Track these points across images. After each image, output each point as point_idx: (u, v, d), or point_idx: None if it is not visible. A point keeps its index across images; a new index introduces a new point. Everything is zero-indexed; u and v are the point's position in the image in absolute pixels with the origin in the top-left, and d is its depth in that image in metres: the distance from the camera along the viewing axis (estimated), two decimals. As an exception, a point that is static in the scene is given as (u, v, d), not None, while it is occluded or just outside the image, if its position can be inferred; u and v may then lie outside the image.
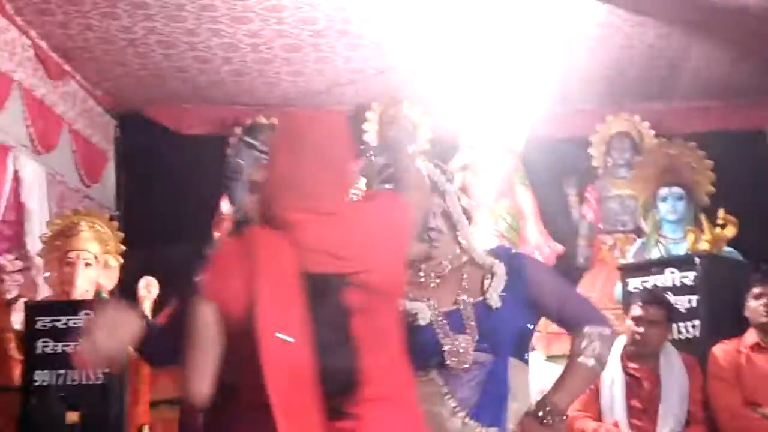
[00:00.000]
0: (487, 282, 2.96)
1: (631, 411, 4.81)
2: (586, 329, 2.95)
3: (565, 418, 2.91)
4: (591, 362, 2.92)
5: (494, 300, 2.92)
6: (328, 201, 2.51)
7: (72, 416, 5.29)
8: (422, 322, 2.89)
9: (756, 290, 5.01)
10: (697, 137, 6.89)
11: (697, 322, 5.44)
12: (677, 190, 6.45)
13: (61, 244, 6.00)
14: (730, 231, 5.96)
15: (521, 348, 2.99)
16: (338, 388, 2.37)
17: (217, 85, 7.92)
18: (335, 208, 2.52)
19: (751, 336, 5.02)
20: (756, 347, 4.99)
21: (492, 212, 6.61)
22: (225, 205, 7.61)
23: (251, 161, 3.19)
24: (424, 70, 7.47)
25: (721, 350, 5.06)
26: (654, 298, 5.07)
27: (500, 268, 2.98)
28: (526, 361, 3.02)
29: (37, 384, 5.34)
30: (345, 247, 2.45)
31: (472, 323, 2.90)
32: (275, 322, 2.34)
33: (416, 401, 2.58)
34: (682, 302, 5.53)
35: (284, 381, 2.32)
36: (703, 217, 6.10)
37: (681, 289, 5.55)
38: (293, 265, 2.40)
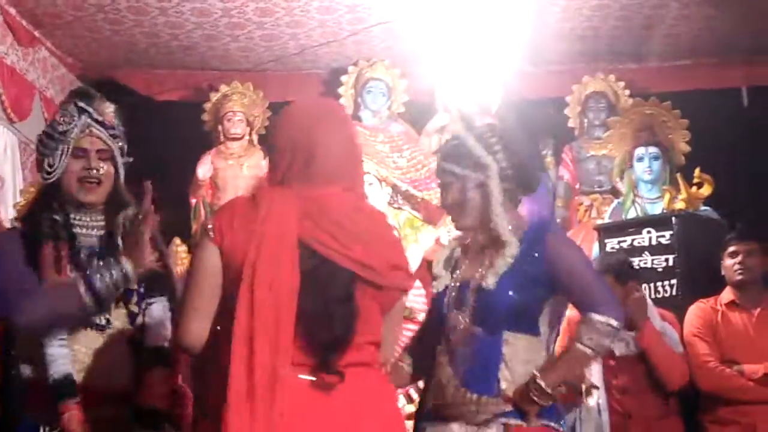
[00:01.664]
0: (489, 261, 3.16)
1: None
2: (592, 316, 3.07)
3: (551, 395, 3.04)
4: (588, 351, 3.08)
5: (489, 281, 3.11)
6: (348, 178, 2.65)
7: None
8: (436, 290, 3.28)
9: (731, 248, 5.03)
10: (672, 96, 6.89)
11: (674, 281, 5.48)
12: (653, 149, 6.45)
13: (35, 212, 5.95)
14: (706, 190, 5.99)
15: (523, 322, 3.14)
16: (330, 344, 2.45)
17: (189, 50, 7.85)
18: (354, 186, 2.67)
19: (727, 294, 5.05)
20: (732, 305, 5.02)
21: (468, 174, 6.58)
22: (201, 171, 7.58)
23: (82, 127, 3.16)
24: (399, 32, 7.44)
25: (697, 309, 5.09)
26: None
27: (511, 249, 3.14)
28: (535, 333, 3.18)
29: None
30: (359, 241, 2.53)
31: (471, 301, 3.14)
32: (268, 275, 2.43)
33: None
34: (659, 261, 5.57)
35: (268, 329, 2.40)
36: (679, 177, 6.12)
37: (658, 249, 5.58)
38: (293, 232, 2.49)
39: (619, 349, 4.68)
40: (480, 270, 3.17)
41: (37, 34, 7.26)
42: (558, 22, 7.30)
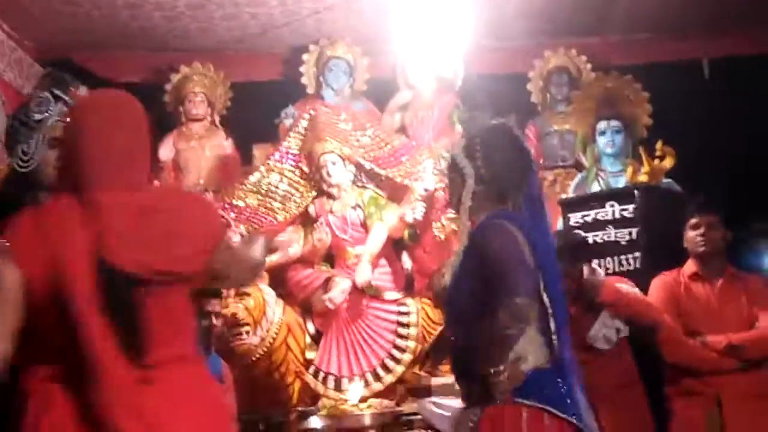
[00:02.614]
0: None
1: None
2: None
3: None
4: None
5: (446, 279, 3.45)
6: (134, 177, 2.64)
7: None
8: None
9: (693, 220, 5.05)
10: (634, 70, 6.92)
11: (638, 254, 5.52)
12: (615, 123, 6.48)
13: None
14: (669, 162, 6.01)
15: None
16: (128, 349, 2.49)
17: (149, 31, 7.77)
18: (140, 185, 2.66)
19: (689, 266, 5.08)
20: (695, 276, 5.05)
21: (432, 151, 6.57)
22: (163, 153, 7.53)
23: (56, 115, 3.14)
24: (360, 10, 7.40)
25: (660, 281, 5.11)
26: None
27: (458, 250, 3.43)
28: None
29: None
30: (142, 244, 2.53)
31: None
32: (65, 292, 2.46)
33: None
34: (622, 234, 5.60)
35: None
36: (641, 150, 6.14)
37: (621, 222, 5.61)
38: (85, 246, 2.49)
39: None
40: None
41: (-7, 17, 7.17)
42: (519, -3, 7.29)
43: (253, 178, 6.53)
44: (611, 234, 5.61)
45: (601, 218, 5.65)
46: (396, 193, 6.49)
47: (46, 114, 3.21)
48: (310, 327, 6.29)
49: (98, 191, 2.55)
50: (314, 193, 6.49)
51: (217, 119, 7.85)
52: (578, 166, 7.13)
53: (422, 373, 6.08)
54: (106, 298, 2.48)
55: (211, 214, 2.85)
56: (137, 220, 2.55)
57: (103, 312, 2.47)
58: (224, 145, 7.66)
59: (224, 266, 2.73)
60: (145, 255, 2.52)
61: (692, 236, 5.05)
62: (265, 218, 6.44)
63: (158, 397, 2.52)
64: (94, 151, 2.60)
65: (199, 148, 7.59)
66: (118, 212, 2.54)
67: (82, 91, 3.32)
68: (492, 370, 3.11)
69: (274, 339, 6.00)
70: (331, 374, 6.07)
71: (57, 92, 3.23)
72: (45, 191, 3.13)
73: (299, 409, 5.88)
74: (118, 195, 2.57)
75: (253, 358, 5.96)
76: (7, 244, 2.51)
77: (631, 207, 5.60)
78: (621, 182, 6.31)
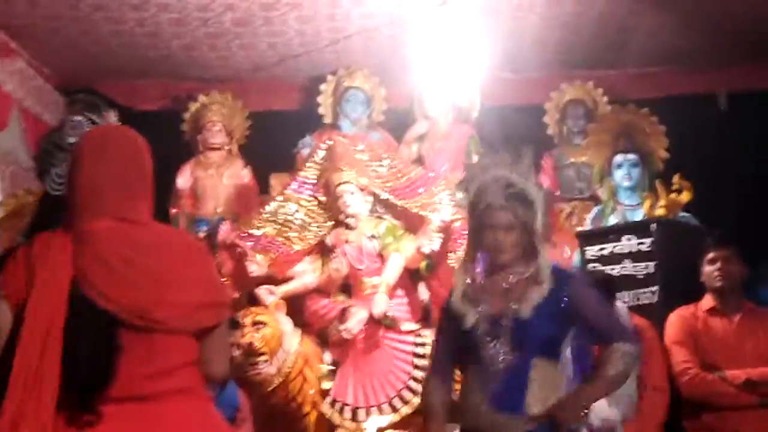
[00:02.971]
0: (528, 294, 3.44)
1: None
2: (615, 345, 3.42)
3: (584, 414, 3.39)
4: (613, 372, 3.40)
5: (525, 311, 3.40)
6: (132, 211, 2.64)
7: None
8: (465, 327, 3.46)
9: (710, 255, 5.06)
10: (651, 103, 6.93)
11: (655, 288, 5.50)
12: (632, 156, 6.48)
13: (14, 224, 5.94)
14: (686, 196, 6.01)
15: (549, 350, 3.45)
16: (85, 387, 2.46)
17: (167, 60, 7.82)
18: (137, 218, 2.64)
19: (707, 300, 5.08)
20: (712, 311, 5.05)
21: (448, 182, 6.59)
22: (181, 181, 7.56)
23: None
24: (378, 40, 7.44)
25: (678, 316, 5.11)
26: None
27: (545, 286, 3.44)
28: (557, 359, 3.48)
29: None
30: (127, 283, 2.52)
31: (508, 331, 3.40)
32: (34, 325, 2.45)
33: (180, 404, 2.62)
34: (639, 268, 5.59)
35: (26, 375, 2.42)
36: (658, 183, 6.14)
37: (638, 255, 5.61)
38: (64, 281, 2.49)
39: None
40: (511, 304, 3.44)
41: (13, 45, 7.22)
42: (536, 29, 7.32)
43: (270, 207, 6.54)
44: (628, 267, 5.60)
45: (618, 251, 5.65)
46: (412, 223, 6.49)
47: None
48: (327, 357, 6.28)
49: (88, 223, 2.57)
50: (331, 223, 6.49)
51: (235, 148, 7.88)
52: (595, 199, 7.13)
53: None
54: (79, 329, 2.47)
55: (211, 272, 2.77)
56: (128, 256, 2.55)
57: (66, 344, 2.45)
58: (242, 174, 7.69)
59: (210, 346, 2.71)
60: (127, 295, 2.51)
61: (709, 270, 5.05)
62: (282, 247, 6.45)
63: (142, 430, 2.50)
64: (89, 184, 2.62)
65: (216, 177, 7.62)
66: (108, 245, 2.55)
67: (112, 116, 3.38)
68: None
69: (290, 369, 5.98)
70: (348, 405, 6.05)
71: (91, 116, 3.30)
72: None
73: (315, 439, 5.87)
74: (107, 228, 2.58)
75: (270, 388, 5.95)
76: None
77: (648, 241, 5.60)
78: (638, 215, 6.31)
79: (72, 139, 3.25)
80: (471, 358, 3.47)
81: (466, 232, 3.77)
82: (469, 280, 3.59)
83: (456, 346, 3.56)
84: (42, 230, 3.05)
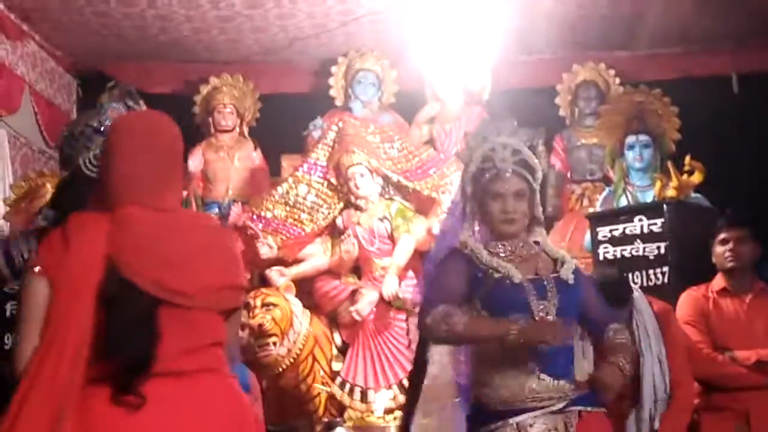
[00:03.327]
0: (558, 266, 3.36)
1: None
2: (612, 325, 3.43)
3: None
4: (627, 341, 3.43)
5: (570, 277, 3.32)
6: (164, 197, 2.69)
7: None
8: (516, 280, 3.25)
9: (721, 236, 5.03)
10: (663, 84, 6.89)
11: (666, 269, 5.49)
12: (644, 137, 6.45)
13: (26, 206, 5.96)
14: (697, 177, 5.99)
15: (579, 318, 3.40)
16: (128, 367, 2.52)
17: (178, 42, 7.83)
18: (169, 206, 2.70)
19: (718, 281, 5.05)
20: (723, 292, 5.02)
21: (459, 164, 6.58)
22: (192, 164, 7.57)
23: None
24: (388, 22, 7.42)
25: (689, 296, 5.09)
26: None
27: (570, 260, 3.40)
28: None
29: (6, 347, 5.31)
30: (159, 263, 2.58)
31: (554, 293, 3.28)
32: (69, 301, 2.53)
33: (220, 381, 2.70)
34: (650, 249, 5.57)
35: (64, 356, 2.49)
36: (669, 164, 6.12)
37: (649, 237, 5.59)
38: (99, 258, 2.55)
39: None
40: (547, 270, 3.35)
41: (25, 27, 7.24)
42: (548, 10, 7.28)
43: (281, 189, 6.56)
44: (639, 249, 5.59)
45: (630, 233, 5.63)
46: (423, 205, 6.50)
47: None
48: (337, 338, 6.30)
49: (126, 207, 2.62)
50: (342, 205, 6.51)
51: (245, 130, 7.89)
52: (606, 180, 7.11)
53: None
54: (116, 308, 2.53)
55: (237, 256, 2.84)
56: (161, 237, 2.62)
57: (108, 325, 2.52)
58: (253, 156, 7.70)
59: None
60: (162, 274, 2.57)
61: (721, 251, 5.03)
62: (293, 229, 6.47)
63: (180, 406, 2.56)
64: (128, 171, 2.66)
65: (227, 159, 7.63)
66: (142, 228, 2.61)
67: (143, 106, 3.52)
68: None
69: (300, 350, 6.01)
70: (358, 386, 6.07)
71: (130, 103, 3.40)
72: None
73: (325, 420, 5.89)
74: (145, 213, 2.63)
75: (280, 369, 5.98)
76: (36, 265, 2.60)
77: (659, 222, 5.58)
78: (649, 197, 6.28)
79: (109, 124, 3.33)
80: (515, 318, 3.18)
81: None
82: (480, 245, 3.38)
83: (467, 295, 3.30)
84: (71, 209, 3.13)
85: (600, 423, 3.34)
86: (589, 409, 3.27)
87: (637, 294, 4.66)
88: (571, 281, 3.31)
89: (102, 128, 3.35)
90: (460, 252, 3.35)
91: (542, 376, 3.20)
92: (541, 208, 3.44)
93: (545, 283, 3.29)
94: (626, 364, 3.30)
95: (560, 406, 3.21)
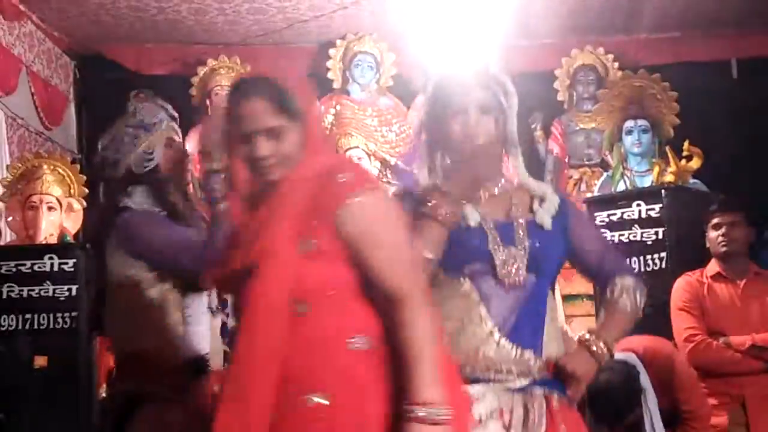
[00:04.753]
0: (536, 205, 2.82)
1: None
2: (619, 279, 2.89)
3: (610, 355, 2.81)
4: (629, 308, 2.86)
5: (546, 221, 2.79)
6: None
7: (40, 360, 5.28)
8: (472, 223, 2.73)
9: (714, 220, 5.03)
10: (662, 69, 6.87)
11: (663, 254, 5.48)
12: (642, 122, 6.44)
13: (23, 188, 5.96)
14: (696, 163, 5.98)
15: (555, 276, 2.91)
16: None
17: (176, 24, 7.80)
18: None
19: (712, 266, 5.05)
20: (717, 277, 5.02)
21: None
22: (190, 146, 7.53)
23: (167, 119, 3.50)
24: (387, 5, 7.40)
25: (683, 281, 5.09)
26: None
27: (554, 197, 2.85)
28: (553, 290, 2.95)
29: (3, 329, 5.32)
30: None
31: (525, 239, 2.74)
32: None
33: None
34: (648, 235, 5.56)
35: None
36: (668, 150, 6.11)
37: (647, 222, 5.58)
38: None
39: None
40: (523, 210, 2.81)
41: (22, 8, 7.20)
42: (547, -6, 7.27)
43: (279, 171, 6.54)
44: (637, 234, 5.57)
45: (627, 218, 5.61)
46: (421, 189, 6.49)
47: (158, 118, 3.54)
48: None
49: None
50: (339, 188, 6.49)
51: (243, 113, 7.86)
52: (604, 165, 7.11)
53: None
54: None
55: None
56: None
57: None
58: (250, 138, 7.68)
59: None
60: None
61: (714, 236, 5.03)
62: (290, 212, 6.46)
63: None
64: None
65: (225, 141, 7.60)
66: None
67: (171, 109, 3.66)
68: None
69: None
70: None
71: (163, 103, 3.52)
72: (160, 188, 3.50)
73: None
74: None
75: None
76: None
77: (657, 207, 5.57)
78: (647, 182, 6.28)
79: (149, 120, 3.43)
80: (474, 268, 2.70)
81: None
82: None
83: None
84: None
85: (575, 419, 2.78)
86: (556, 396, 2.71)
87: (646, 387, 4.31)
88: (548, 227, 2.77)
89: (146, 125, 3.47)
90: (410, 195, 2.78)
91: (502, 342, 2.67)
92: (514, 132, 2.89)
93: (514, 225, 2.75)
94: (604, 348, 2.76)
95: (520, 384, 2.67)
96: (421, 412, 2.25)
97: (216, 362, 3.40)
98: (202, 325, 3.33)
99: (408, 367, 2.30)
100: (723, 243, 4.97)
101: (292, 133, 2.46)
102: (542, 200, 2.83)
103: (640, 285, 2.92)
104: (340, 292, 2.39)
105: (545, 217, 2.78)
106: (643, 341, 4.48)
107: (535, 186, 2.88)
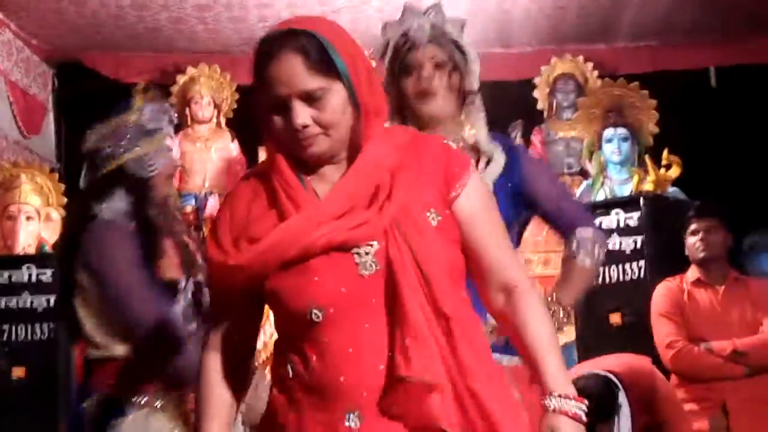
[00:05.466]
0: (481, 166, 2.77)
1: None
2: (579, 231, 2.86)
3: (569, 311, 2.81)
4: (588, 263, 2.84)
5: (490, 181, 2.73)
6: None
7: (18, 371, 5.25)
8: None
9: (692, 227, 5.05)
10: (641, 77, 6.89)
11: (642, 263, 5.50)
12: (622, 130, 6.45)
13: (1, 197, 5.92)
14: (675, 171, 6.00)
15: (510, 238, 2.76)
16: None
17: (155, 32, 7.78)
18: None
19: (692, 272, 5.07)
20: (697, 283, 5.04)
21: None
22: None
23: (167, 125, 3.38)
24: (367, 13, 7.41)
25: (664, 288, 5.10)
26: None
27: (500, 157, 2.80)
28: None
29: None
30: None
31: None
32: None
33: None
34: (627, 243, 5.58)
35: None
36: (647, 158, 6.13)
37: (626, 230, 5.60)
38: None
39: None
40: (481, 169, 2.76)
41: (1, 16, 7.18)
42: (526, 3, 7.28)
43: (259, 180, 6.52)
44: (616, 242, 5.58)
45: (606, 226, 5.62)
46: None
47: (162, 124, 3.38)
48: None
49: None
50: (320, 197, 6.48)
51: (223, 121, 7.85)
52: (584, 173, 7.12)
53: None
54: None
55: None
56: None
57: None
58: (230, 147, 7.67)
59: None
60: None
61: (692, 242, 5.05)
62: (270, 221, 6.44)
63: None
64: None
65: (204, 150, 7.60)
66: None
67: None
68: None
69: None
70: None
71: (164, 105, 3.45)
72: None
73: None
74: None
75: (257, 363, 5.96)
76: None
77: (636, 215, 5.59)
78: (627, 190, 6.30)
79: (153, 125, 3.30)
80: None
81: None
82: None
83: None
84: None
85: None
86: (505, 362, 2.60)
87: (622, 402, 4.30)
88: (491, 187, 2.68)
89: (146, 128, 3.32)
90: None
91: None
92: (475, 86, 2.87)
93: None
94: (564, 302, 2.78)
95: None
96: (565, 405, 2.05)
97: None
98: (186, 330, 3.29)
99: (541, 360, 2.07)
100: (701, 248, 4.99)
101: (334, 96, 2.05)
102: (489, 161, 2.79)
103: (600, 236, 2.90)
104: (459, 273, 2.10)
105: (487, 179, 2.71)
106: (624, 360, 4.51)
107: (486, 146, 2.81)
